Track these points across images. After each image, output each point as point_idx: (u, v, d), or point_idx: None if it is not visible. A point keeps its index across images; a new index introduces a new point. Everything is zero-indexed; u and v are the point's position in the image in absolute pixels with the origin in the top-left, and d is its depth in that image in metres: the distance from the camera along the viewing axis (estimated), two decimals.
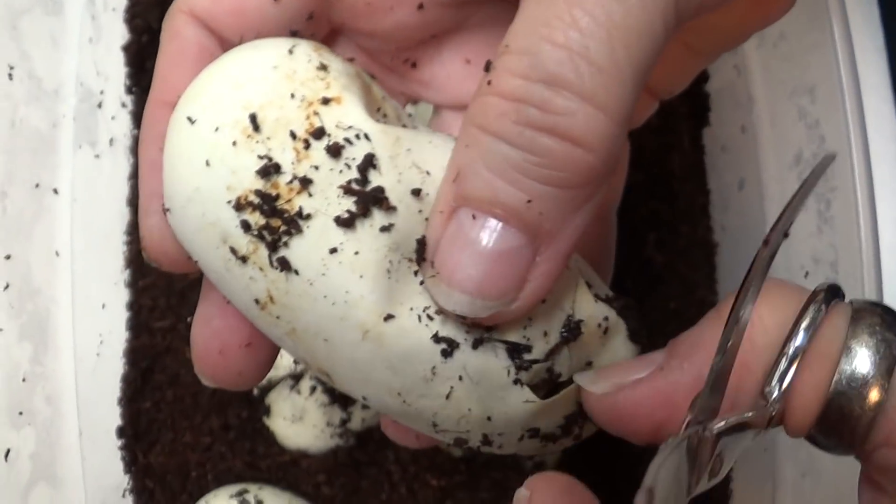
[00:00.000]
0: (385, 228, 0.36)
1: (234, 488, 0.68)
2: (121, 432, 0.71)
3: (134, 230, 0.73)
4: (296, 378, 0.70)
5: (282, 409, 0.71)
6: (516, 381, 0.38)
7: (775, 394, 0.34)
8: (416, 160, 0.37)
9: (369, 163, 0.36)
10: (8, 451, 0.61)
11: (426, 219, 0.37)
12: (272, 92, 0.36)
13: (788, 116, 0.63)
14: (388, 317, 0.36)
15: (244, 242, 0.36)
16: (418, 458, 0.71)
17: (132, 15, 0.73)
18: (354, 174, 0.35)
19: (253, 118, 0.36)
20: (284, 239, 0.35)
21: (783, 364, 0.34)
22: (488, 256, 0.34)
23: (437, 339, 0.37)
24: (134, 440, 0.71)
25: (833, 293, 0.35)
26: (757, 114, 0.67)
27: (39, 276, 0.66)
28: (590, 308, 0.40)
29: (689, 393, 0.35)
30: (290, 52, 0.38)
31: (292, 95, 0.36)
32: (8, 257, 0.63)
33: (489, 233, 0.34)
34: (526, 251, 0.34)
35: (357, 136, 0.36)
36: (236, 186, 0.35)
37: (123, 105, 0.73)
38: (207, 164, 0.36)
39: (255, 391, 0.72)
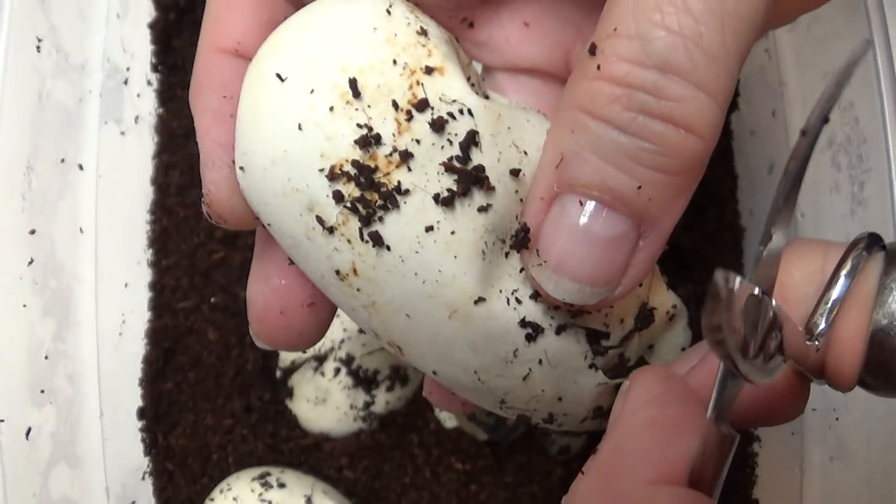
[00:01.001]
0: (483, 209, 0.35)
1: (256, 471, 0.67)
2: (141, 413, 0.70)
3: (158, 209, 0.72)
4: (319, 360, 0.70)
5: (305, 392, 0.70)
6: (591, 366, 0.38)
7: (822, 326, 0.35)
8: (515, 139, 0.36)
9: (472, 140, 0.35)
10: (29, 429, 0.60)
11: (521, 200, 0.36)
12: (373, 56, 0.35)
13: None
14: (480, 300, 0.36)
15: (334, 213, 0.34)
16: (442, 441, 0.70)
17: None
18: (456, 151, 0.35)
19: (353, 83, 0.34)
20: (380, 214, 0.34)
21: (824, 308, 0.35)
22: (597, 243, 0.34)
23: (523, 323, 0.36)
24: (155, 422, 0.70)
25: (874, 241, 0.35)
26: (788, 97, 0.67)
27: (63, 253, 0.65)
28: (662, 296, 0.41)
29: None
30: (388, 12, 0.36)
31: (394, 62, 0.35)
32: (32, 232, 0.62)
33: (597, 219, 0.34)
34: (631, 236, 0.34)
35: (461, 112, 0.35)
36: (331, 154, 0.34)
37: (149, 83, 0.73)
38: (300, 127, 0.34)
39: (279, 373, 0.71)
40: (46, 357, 0.63)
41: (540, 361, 0.37)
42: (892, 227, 0.55)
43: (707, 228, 0.71)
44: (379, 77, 0.34)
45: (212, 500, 0.66)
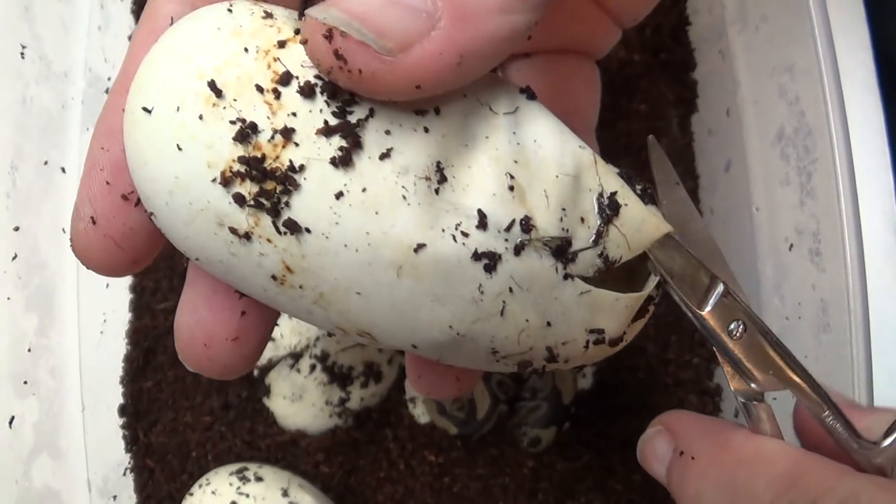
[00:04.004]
0: (385, 155, 0.33)
1: (234, 467, 0.69)
2: (122, 410, 0.72)
3: None
4: (296, 357, 0.72)
5: (282, 389, 0.72)
6: (567, 277, 0.36)
7: None
8: None
9: (346, 92, 0.33)
10: (12, 417, 0.62)
11: (425, 129, 0.34)
12: (224, 52, 0.33)
13: (770, 95, 0.65)
14: (420, 246, 0.33)
15: (242, 218, 0.33)
16: (416, 436, 0.72)
17: (139, 6, 0.76)
18: (334, 109, 0.33)
19: (212, 85, 0.33)
20: (284, 199, 0.32)
21: None
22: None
23: (476, 256, 0.34)
24: (135, 419, 0.72)
25: None
26: (741, 96, 0.69)
27: (46, 251, 0.67)
28: (615, 181, 0.37)
29: None
30: (230, 10, 0.35)
31: (246, 50, 0.33)
32: (16, 229, 0.64)
33: None
34: (418, 16, 0.31)
35: None
36: (217, 161, 0.32)
37: None
38: (179, 147, 0.33)
39: (256, 372, 0.73)
40: (30, 350, 0.65)
41: (511, 290, 0.35)
42: (838, 213, 0.57)
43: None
44: (236, 69, 0.33)
45: (191, 494, 0.68)
